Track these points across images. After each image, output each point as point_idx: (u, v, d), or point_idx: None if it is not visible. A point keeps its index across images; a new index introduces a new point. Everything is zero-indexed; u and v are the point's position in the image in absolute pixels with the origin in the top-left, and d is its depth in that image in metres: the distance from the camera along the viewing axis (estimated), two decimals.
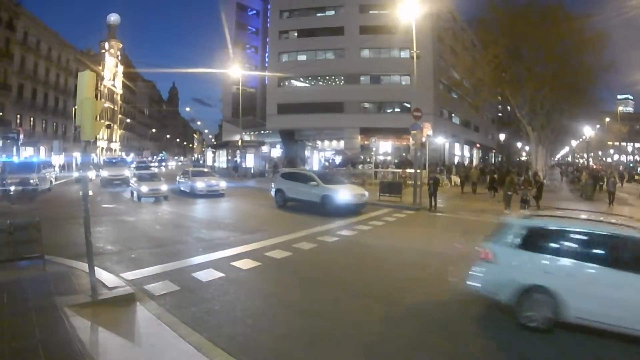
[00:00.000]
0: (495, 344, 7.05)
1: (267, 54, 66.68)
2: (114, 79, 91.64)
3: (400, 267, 11.44)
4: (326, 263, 11.81)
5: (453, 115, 66.58)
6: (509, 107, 57.34)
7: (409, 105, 48.09)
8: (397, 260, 12.24)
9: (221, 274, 10.19)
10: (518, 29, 34.92)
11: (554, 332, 7.26)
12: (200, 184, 27.72)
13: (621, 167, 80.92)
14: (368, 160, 45.34)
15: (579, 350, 6.82)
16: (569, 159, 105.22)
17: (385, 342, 6.94)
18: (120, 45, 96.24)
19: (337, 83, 60.28)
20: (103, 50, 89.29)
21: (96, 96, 26.90)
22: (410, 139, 27.85)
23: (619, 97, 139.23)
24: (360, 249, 13.54)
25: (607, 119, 78.32)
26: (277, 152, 61.89)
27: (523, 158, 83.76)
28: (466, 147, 72.95)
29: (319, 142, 59.10)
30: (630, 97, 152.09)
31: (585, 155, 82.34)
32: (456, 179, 38.18)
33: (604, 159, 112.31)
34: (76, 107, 8.60)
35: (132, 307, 8.09)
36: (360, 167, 43.02)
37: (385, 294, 9.23)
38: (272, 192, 23.77)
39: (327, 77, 61.41)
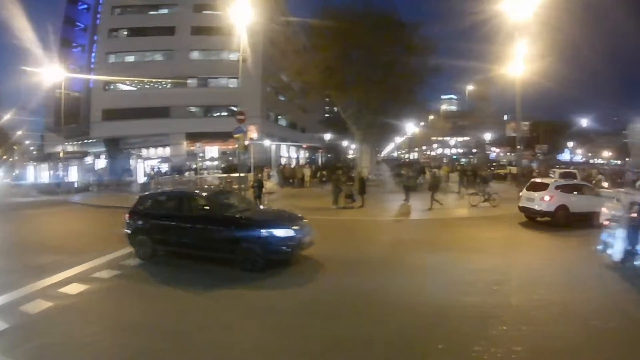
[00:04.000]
0: None
1: (93, 54, 66.72)
2: None
3: None
4: (162, 275, 12.90)
5: (280, 117, 73.51)
6: (335, 108, 60.95)
7: (236, 109, 49.42)
8: None
9: (49, 303, 10.43)
10: (350, 34, 38.12)
11: None
12: None
13: (445, 160, 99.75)
14: (194, 166, 48.80)
15: None
16: (395, 154, 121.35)
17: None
18: None
19: (165, 86, 62.67)
20: None
21: None
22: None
23: (443, 97, 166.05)
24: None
25: (432, 117, 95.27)
26: (102, 163, 60.49)
27: (350, 156, 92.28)
28: (293, 149, 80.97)
29: (144, 151, 60.68)
30: (454, 97, 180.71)
31: (408, 151, 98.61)
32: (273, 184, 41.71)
33: (429, 152, 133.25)
34: None
35: None
36: (187, 174, 46.02)
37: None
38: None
39: (155, 80, 62.70)
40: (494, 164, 74.86)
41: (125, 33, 64.16)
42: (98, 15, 66.19)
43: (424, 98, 57.76)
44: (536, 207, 21.92)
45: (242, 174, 29.64)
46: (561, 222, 20.78)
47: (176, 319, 9.62)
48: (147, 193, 19.47)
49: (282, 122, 76.42)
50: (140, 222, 14.78)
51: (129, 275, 13.03)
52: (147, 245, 14.43)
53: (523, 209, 22.79)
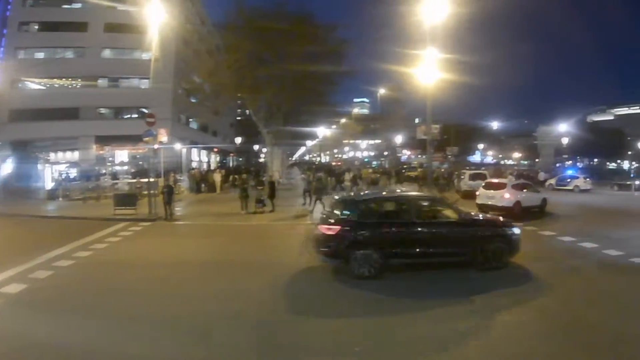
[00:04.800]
0: None
1: (1, 48, 62.97)
2: None
3: (140, 281, 13.09)
4: (63, 289, 12.26)
5: (191, 120, 73.92)
6: (247, 111, 61.74)
7: (147, 111, 46.78)
8: (137, 275, 13.83)
9: None
10: (263, 35, 39.26)
11: None
12: None
13: (357, 162, 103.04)
14: (104, 171, 47.07)
15: None
16: (307, 157, 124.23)
17: None
18: None
19: (75, 86, 61.28)
20: None
21: None
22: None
23: (356, 100, 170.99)
24: (98, 268, 14.67)
25: (343, 120, 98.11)
26: (8, 167, 55.34)
27: (262, 160, 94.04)
28: (204, 152, 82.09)
29: (52, 155, 58.47)
30: (366, 100, 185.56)
31: (320, 154, 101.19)
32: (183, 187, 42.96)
33: (340, 155, 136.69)
34: None
35: None
36: (105, 179, 43.94)
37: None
38: None
39: (66, 79, 60.69)
40: (404, 166, 78.02)
41: (37, 27, 61.59)
42: (8, 7, 62.67)
43: (336, 101, 60.17)
44: (498, 204, 26.67)
45: (152, 179, 29.35)
46: (518, 214, 24.69)
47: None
48: (349, 197, 16.82)
49: (193, 125, 76.75)
50: (361, 233, 13.02)
51: (35, 287, 12.30)
52: (372, 259, 12.74)
53: (483, 206, 27.25)
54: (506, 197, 27.12)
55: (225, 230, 22.23)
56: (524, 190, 28.89)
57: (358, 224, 13.25)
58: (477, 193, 29.78)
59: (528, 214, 26.14)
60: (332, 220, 13.41)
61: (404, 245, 13.10)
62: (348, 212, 13.88)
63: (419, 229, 13.37)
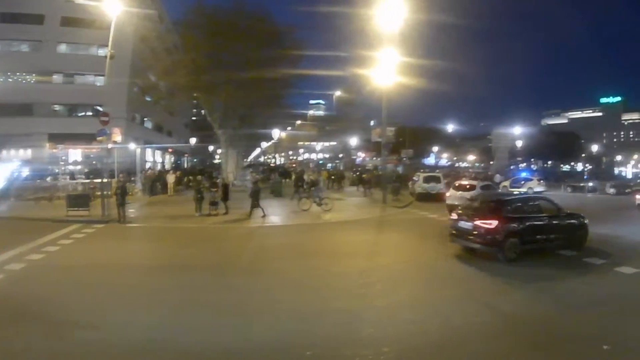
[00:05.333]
0: None
1: None
2: None
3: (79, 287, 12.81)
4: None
5: (146, 119, 73.33)
6: (203, 111, 62.89)
7: (102, 109, 44.53)
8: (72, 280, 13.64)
9: None
10: (221, 34, 39.13)
11: None
12: None
13: (311, 165, 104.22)
14: (57, 170, 46.35)
15: None
16: (261, 159, 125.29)
17: None
18: None
19: (29, 81, 60.26)
20: None
21: None
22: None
23: (311, 102, 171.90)
24: (51, 272, 14.59)
25: (299, 122, 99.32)
26: None
27: (217, 161, 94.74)
28: (159, 153, 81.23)
29: (4, 152, 56.60)
30: (322, 102, 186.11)
31: (276, 155, 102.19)
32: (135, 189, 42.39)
33: (295, 157, 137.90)
34: None
35: None
36: (48, 179, 43.62)
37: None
38: None
39: (20, 74, 60.51)
40: (359, 168, 79.28)
41: None
42: None
43: (293, 103, 58.99)
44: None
45: (105, 180, 29.15)
46: None
47: None
48: (506, 198, 19.50)
49: (148, 124, 76.29)
50: (512, 226, 16.45)
51: None
52: (516, 246, 16.27)
53: (453, 206, 28.13)
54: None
55: (179, 233, 22.60)
56: (489, 191, 32.68)
57: (509, 218, 16.71)
58: (448, 194, 33.23)
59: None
60: (489, 217, 16.69)
61: (535, 234, 17.00)
62: (494, 209, 17.55)
63: (544, 222, 17.53)
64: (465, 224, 17.38)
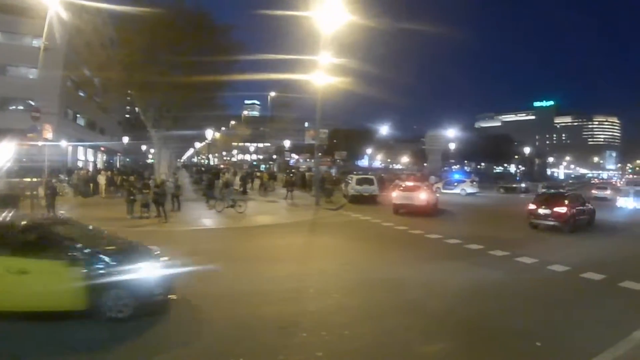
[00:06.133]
0: None
1: None
2: None
3: None
4: None
5: (79, 115, 70.47)
6: (136, 109, 55.61)
7: (33, 104, 43.58)
8: None
9: None
10: (157, 30, 37.89)
11: None
12: None
13: (245, 166, 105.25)
14: None
15: None
16: (195, 159, 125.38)
17: None
18: None
19: None
20: None
21: None
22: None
23: (247, 102, 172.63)
24: None
25: (233, 122, 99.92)
26: None
27: (150, 161, 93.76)
28: (91, 151, 79.19)
29: None
30: (257, 102, 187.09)
31: (209, 156, 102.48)
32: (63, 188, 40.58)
33: (229, 158, 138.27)
34: None
35: None
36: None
37: None
38: None
39: None
40: (292, 170, 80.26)
41: None
42: None
43: (228, 103, 58.64)
44: (415, 203, 34.12)
45: (34, 179, 28.85)
46: (430, 211, 34.42)
47: None
48: (556, 192, 36.32)
49: (81, 121, 73.67)
50: (575, 210, 28.36)
51: None
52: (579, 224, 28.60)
53: (401, 206, 34.50)
54: (422, 197, 34.63)
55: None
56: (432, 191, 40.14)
57: (571, 206, 27.66)
58: (394, 195, 36.33)
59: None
60: (563, 204, 27.60)
61: (575, 217, 27.91)
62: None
63: (579, 208, 28.89)
64: (544, 211, 27.51)
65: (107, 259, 10.59)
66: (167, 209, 28.43)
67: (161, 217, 27.13)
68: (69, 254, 10.15)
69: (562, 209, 26.85)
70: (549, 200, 28.78)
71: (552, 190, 42.54)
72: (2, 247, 10.07)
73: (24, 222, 11.11)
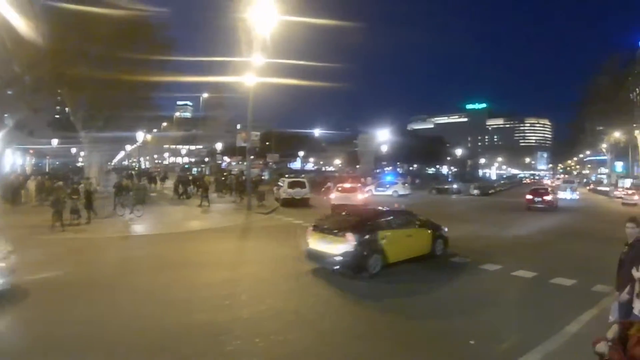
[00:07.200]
0: None
1: None
2: None
3: None
4: None
5: (6, 115, 64.58)
6: (67, 109, 57.98)
7: None
8: None
9: None
10: (90, 27, 37.71)
11: None
12: None
13: (177, 169, 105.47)
14: None
15: None
16: (126, 162, 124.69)
17: None
18: None
19: None
20: None
21: None
22: None
23: (179, 103, 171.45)
24: None
25: (165, 124, 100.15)
26: None
27: (80, 164, 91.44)
28: (19, 154, 78.00)
29: None
30: (190, 104, 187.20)
31: (141, 159, 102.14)
32: None
33: (160, 161, 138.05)
34: None
35: None
36: None
37: None
38: None
39: None
40: (225, 173, 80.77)
41: None
42: None
43: (159, 104, 60.85)
44: (353, 203, 35.76)
45: None
46: None
47: None
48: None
49: (8, 121, 69.27)
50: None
51: None
52: None
53: (339, 206, 34.41)
54: (359, 198, 39.45)
55: (37, 244, 20.39)
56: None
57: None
58: (332, 196, 40.86)
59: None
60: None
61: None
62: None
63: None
64: (537, 199, 41.24)
65: None
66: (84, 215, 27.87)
67: (90, 224, 26.86)
68: None
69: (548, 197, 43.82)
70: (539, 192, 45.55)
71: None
72: (397, 225, 17.58)
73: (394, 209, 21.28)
